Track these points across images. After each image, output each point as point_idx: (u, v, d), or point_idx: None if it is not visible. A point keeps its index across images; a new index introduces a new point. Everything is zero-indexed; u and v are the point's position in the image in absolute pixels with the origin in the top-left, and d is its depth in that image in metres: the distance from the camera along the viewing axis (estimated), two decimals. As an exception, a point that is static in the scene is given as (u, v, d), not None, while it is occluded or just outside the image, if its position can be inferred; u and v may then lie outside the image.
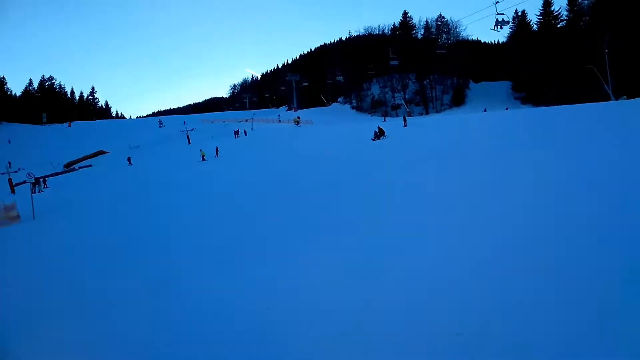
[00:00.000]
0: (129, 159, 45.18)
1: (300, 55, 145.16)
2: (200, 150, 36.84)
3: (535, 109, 48.17)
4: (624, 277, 5.01)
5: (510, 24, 63.36)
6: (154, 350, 5.39)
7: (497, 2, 36.05)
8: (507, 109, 58.84)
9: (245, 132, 52.66)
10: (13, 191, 35.17)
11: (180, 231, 12.82)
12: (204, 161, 34.75)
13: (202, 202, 17.61)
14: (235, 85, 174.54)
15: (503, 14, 36.35)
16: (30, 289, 9.09)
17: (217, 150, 37.52)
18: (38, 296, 8.41)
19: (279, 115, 72.74)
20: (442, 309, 4.97)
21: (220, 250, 9.89)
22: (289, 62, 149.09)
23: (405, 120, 39.03)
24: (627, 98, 39.39)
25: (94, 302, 7.56)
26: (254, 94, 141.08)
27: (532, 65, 78.10)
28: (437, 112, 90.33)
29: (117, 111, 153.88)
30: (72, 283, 9.08)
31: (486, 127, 25.30)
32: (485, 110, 57.26)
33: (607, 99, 49.02)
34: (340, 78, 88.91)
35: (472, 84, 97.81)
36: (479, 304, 4.99)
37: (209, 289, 7.28)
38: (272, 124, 67.28)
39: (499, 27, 38.07)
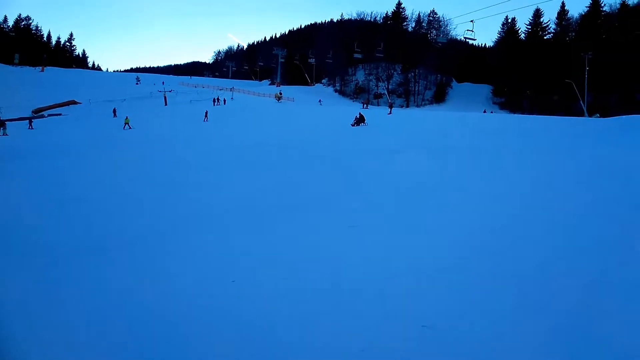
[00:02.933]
0: (114, 111, 45.17)
1: (289, 31, 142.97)
2: (126, 117, 35.28)
3: (515, 115, 49.37)
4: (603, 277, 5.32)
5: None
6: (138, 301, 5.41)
7: (472, 21, 47.20)
8: (484, 111, 60.09)
9: (224, 100, 51.85)
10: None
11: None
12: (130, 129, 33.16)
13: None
14: (219, 52, 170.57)
15: (472, 31, 43.34)
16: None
17: (206, 114, 37.73)
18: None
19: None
20: (408, 299, 4.99)
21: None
22: (277, 36, 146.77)
23: (391, 107, 41.17)
24: (600, 116, 40.78)
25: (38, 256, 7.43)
26: (238, 64, 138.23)
27: (514, 72, 79.62)
28: (418, 106, 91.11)
29: (94, 62, 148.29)
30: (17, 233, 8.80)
31: (464, 127, 25.78)
32: (485, 112, 58.54)
33: (581, 114, 50.65)
34: (329, 60, 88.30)
35: (454, 83, 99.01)
36: (448, 296, 5.01)
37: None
38: (253, 96, 66.46)
39: (465, 38, 46.66)
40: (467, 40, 47.83)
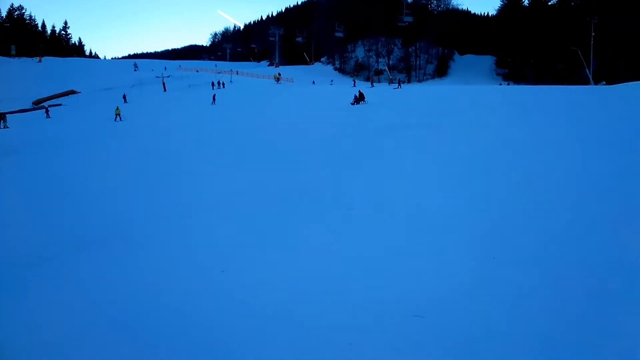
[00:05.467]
0: (124, 97, 45.37)
1: (286, 9, 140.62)
2: (117, 107, 33.08)
3: (522, 86, 48.35)
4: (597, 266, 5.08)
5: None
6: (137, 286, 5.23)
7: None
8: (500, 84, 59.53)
9: (223, 84, 51.25)
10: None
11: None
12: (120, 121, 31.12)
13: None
14: (216, 34, 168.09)
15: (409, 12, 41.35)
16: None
17: (214, 97, 38.04)
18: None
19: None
20: (400, 288, 4.84)
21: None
22: (274, 14, 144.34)
23: (399, 83, 44.16)
24: (606, 84, 39.91)
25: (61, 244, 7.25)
26: (235, 45, 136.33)
27: (518, 42, 77.93)
28: (420, 81, 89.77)
29: (90, 50, 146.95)
30: (33, 223, 8.74)
31: (468, 101, 25.20)
32: (501, 84, 57.94)
33: (587, 83, 49.63)
34: (340, 34, 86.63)
35: (457, 56, 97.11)
36: (438, 285, 4.87)
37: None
38: (252, 78, 65.65)
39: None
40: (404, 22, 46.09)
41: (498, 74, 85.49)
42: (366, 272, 5.30)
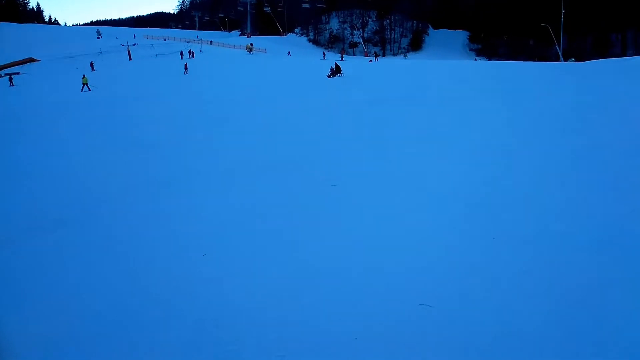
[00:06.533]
0: (91, 64, 44.39)
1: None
2: (83, 76, 30.59)
3: (495, 62, 48.56)
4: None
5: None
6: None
7: None
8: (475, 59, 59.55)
9: (192, 53, 49.52)
10: None
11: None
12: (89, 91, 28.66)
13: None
14: (184, 1, 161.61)
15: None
16: None
17: (185, 66, 36.73)
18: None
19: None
20: (403, 274, 4.50)
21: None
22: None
23: (376, 56, 41.86)
24: (575, 61, 40.62)
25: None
26: (205, 13, 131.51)
27: (490, 16, 78.20)
28: (394, 54, 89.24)
29: (50, 16, 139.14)
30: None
31: (443, 74, 25.12)
32: (475, 59, 57.51)
33: (557, 59, 50.45)
34: (306, 5, 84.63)
35: (431, 30, 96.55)
36: (439, 269, 4.58)
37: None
38: (223, 47, 63.75)
39: None
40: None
41: (471, 50, 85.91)
42: (366, 252, 5.04)
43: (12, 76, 39.75)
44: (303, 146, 10.91)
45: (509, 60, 52.47)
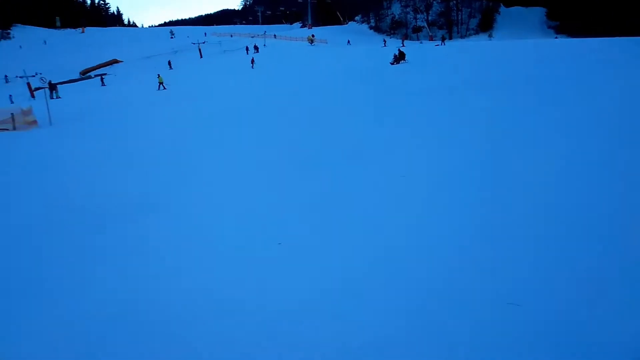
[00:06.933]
0: (169, 63, 47.61)
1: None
2: (158, 75, 32.92)
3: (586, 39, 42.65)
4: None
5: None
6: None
7: None
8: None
9: (257, 48, 51.28)
10: (33, 95, 35.25)
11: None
12: (164, 89, 30.38)
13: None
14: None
15: None
16: (45, 193, 9.49)
17: (252, 61, 39.20)
18: (53, 202, 8.75)
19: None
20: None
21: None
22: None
23: (443, 40, 43.93)
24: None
25: (109, 208, 7.97)
26: (267, 7, 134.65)
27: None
28: (462, 37, 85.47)
29: (129, 19, 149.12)
30: (88, 187, 9.51)
31: (517, 57, 23.70)
32: (556, 38, 53.87)
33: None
34: None
35: (502, 9, 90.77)
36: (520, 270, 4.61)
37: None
38: (285, 40, 65.08)
39: None
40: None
41: (550, 27, 79.86)
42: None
43: (103, 77, 44.07)
44: (373, 139, 11.27)
45: (596, 37, 48.07)
